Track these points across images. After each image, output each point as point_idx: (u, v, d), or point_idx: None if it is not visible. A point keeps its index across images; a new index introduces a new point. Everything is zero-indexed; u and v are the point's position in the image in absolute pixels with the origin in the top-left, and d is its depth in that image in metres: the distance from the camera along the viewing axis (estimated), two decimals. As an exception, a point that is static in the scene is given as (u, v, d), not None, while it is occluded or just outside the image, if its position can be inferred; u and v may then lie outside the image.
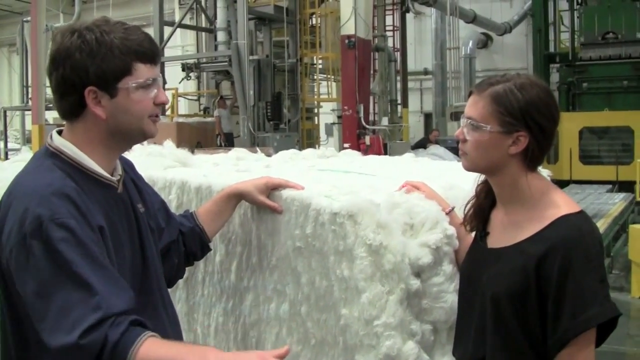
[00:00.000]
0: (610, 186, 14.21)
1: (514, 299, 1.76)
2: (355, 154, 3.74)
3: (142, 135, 1.89)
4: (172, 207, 2.62)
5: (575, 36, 18.48)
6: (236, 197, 2.33)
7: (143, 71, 1.81)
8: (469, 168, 1.90)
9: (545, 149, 1.82)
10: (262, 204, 2.29)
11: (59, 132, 1.87)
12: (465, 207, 2.02)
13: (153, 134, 1.90)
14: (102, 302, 1.61)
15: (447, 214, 2.12)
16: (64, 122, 1.89)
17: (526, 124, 1.77)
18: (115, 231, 1.81)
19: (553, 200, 1.81)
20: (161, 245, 2.10)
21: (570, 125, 15.73)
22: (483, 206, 1.98)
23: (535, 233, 1.77)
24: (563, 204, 1.79)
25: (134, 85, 1.80)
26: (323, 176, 2.60)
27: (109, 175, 1.85)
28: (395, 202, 2.11)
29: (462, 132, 1.86)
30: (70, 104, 1.80)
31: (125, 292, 1.69)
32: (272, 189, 2.30)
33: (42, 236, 1.62)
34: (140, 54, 1.80)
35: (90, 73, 1.75)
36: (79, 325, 1.57)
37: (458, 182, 2.41)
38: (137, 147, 2.47)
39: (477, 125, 1.81)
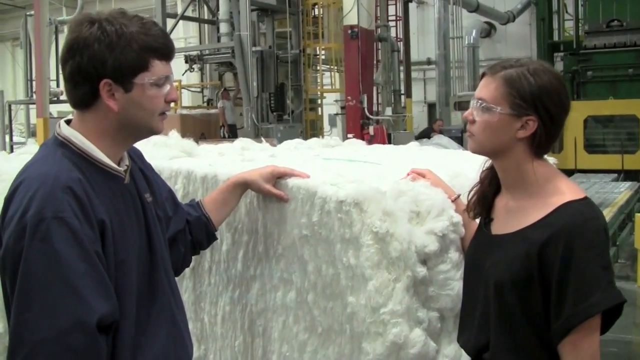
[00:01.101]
0: (615, 175, 14.16)
1: (517, 286, 1.75)
2: (360, 143, 3.74)
3: (149, 132, 1.90)
4: (179, 197, 2.61)
5: (580, 24, 18.39)
6: (242, 186, 2.34)
7: (159, 68, 1.81)
8: (475, 150, 1.89)
9: (553, 137, 1.81)
10: (268, 192, 2.30)
11: (68, 122, 1.87)
12: (469, 193, 2.02)
13: (160, 130, 1.91)
14: (84, 308, 1.62)
15: (452, 201, 2.12)
16: (71, 114, 1.90)
17: (536, 109, 1.77)
18: (121, 222, 1.82)
19: (558, 187, 1.80)
20: (168, 235, 2.10)
21: (575, 114, 15.60)
22: (487, 192, 1.97)
23: (538, 220, 1.77)
24: (567, 190, 1.79)
25: (149, 81, 1.80)
26: (328, 165, 2.60)
27: (115, 166, 1.85)
28: (401, 190, 2.11)
29: (471, 112, 1.86)
30: (83, 94, 1.79)
31: (108, 300, 1.69)
32: (277, 177, 2.30)
33: (41, 232, 1.63)
34: (158, 50, 1.81)
35: (108, 65, 1.75)
36: (57, 327, 1.60)
37: (463, 170, 2.42)
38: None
39: (488, 107, 1.81)
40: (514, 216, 1.85)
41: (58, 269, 1.62)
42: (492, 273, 1.82)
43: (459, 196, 2.14)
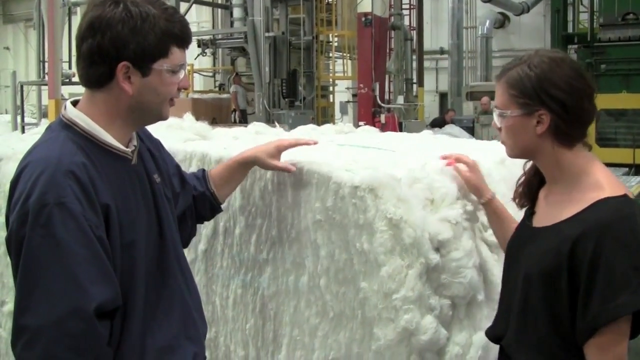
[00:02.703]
0: (626, 169, 14.08)
1: (544, 280, 1.73)
2: (373, 130, 3.74)
3: (158, 117, 1.90)
4: (193, 180, 2.63)
5: (595, 17, 18.25)
6: (248, 164, 2.33)
7: (177, 55, 1.82)
8: (510, 155, 1.90)
9: (575, 122, 1.77)
10: (274, 168, 2.30)
11: (75, 103, 1.86)
12: (517, 182, 2.01)
13: (167, 117, 1.92)
14: (82, 295, 1.64)
15: (488, 199, 2.12)
16: (83, 92, 1.88)
17: (543, 102, 1.76)
18: (127, 205, 1.82)
19: (597, 182, 1.76)
20: (177, 212, 2.11)
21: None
22: (531, 184, 1.96)
23: (574, 214, 1.74)
24: (607, 185, 1.74)
25: (167, 68, 1.80)
26: (342, 151, 2.60)
27: (123, 147, 1.85)
28: (415, 177, 2.11)
29: (494, 122, 1.88)
30: (99, 74, 1.78)
31: (108, 286, 1.70)
32: (283, 151, 2.30)
33: (43, 218, 1.64)
34: (178, 38, 1.81)
35: (129, 48, 1.74)
36: (55, 313, 1.62)
37: (478, 159, 2.41)
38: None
39: (502, 113, 1.83)
40: (553, 209, 1.83)
41: (58, 256, 1.63)
42: (524, 265, 1.81)
43: (494, 195, 2.13)
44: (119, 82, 1.78)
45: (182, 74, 1.86)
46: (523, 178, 1.99)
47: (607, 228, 1.65)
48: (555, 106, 1.75)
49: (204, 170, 2.32)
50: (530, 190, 1.96)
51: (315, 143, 2.28)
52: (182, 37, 1.82)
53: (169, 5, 1.83)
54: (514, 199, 2.01)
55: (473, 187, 2.15)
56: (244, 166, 2.33)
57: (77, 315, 1.63)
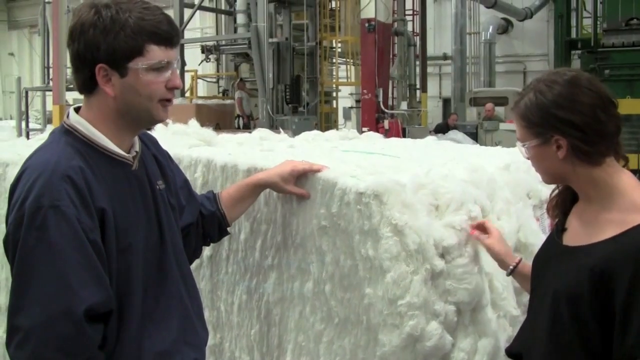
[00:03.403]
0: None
1: (573, 302, 1.67)
2: (377, 136, 3.74)
3: (150, 118, 1.87)
4: (198, 186, 2.64)
5: (598, 22, 18.26)
6: (261, 187, 2.32)
7: (156, 53, 1.79)
8: (546, 182, 1.88)
9: (593, 140, 1.69)
10: (289, 192, 2.28)
11: (77, 109, 1.88)
12: (551, 194, 1.95)
13: (162, 118, 1.89)
14: (72, 297, 1.65)
15: (516, 264, 2.06)
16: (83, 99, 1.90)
17: (554, 127, 1.71)
18: (126, 210, 1.82)
19: (636, 203, 1.68)
20: (181, 225, 2.10)
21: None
22: (564, 196, 1.89)
23: (610, 237, 1.66)
24: None
25: (144, 66, 1.78)
26: (347, 157, 2.60)
27: (122, 152, 1.85)
28: (420, 182, 2.12)
29: (522, 153, 1.85)
30: (83, 79, 1.81)
31: (100, 289, 1.71)
32: (297, 175, 2.26)
33: (38, 220, 1.66)
34: (153, 35, 1.79)
35: (102, 50, 1.75)
36: (46, 314, 1.64)
37: (482, 165, 2.42)
38: (160, 126, 2.47)
39: (523, 145, 1.80)
40: (587, 229, 1.76)
41: (50, 258, 1.66)
42: (553, 283, 1.76)
43: (520, 260, 2.07)
44: (101, 86, 1.79)
45: (168, 73, 1.83)
46: (557, 191, 1.92)
47: None
48: (568, 129, 1.70)
49: (213, 192, 2.31)
50: (564, 203, 1.89)
51: (327, 168, 2.25)
52: (157, 34, 1.79)
53: (150, 5, 1.82)
54: (547, 210, 1.96)
55: (497, 259, 2.09)
56: (258, 189, 2.32)
57: (66, 317, 1.64)
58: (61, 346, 1.65)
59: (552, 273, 1.79)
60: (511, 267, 2.06)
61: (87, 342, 1.68)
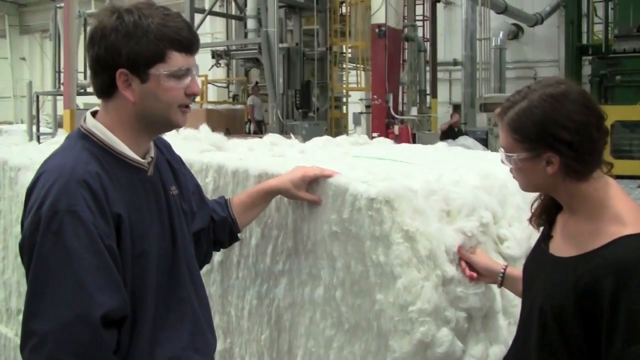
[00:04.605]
0: (640, 181, 14.00)
1: (559, 316, 1.67)
2: (388, 141, 3.74)
3: (168, 124, 1.88)
4: (209, 191, 2.65)
5: (609, 28, 18.20)
6: (273, 194, 2.32)
7: (177, 60, 1.80)
8: (524, 190, 1.83)
9: (587, 156, 1.67)
10: (301, 199, 2.27)
11: (94, 113, 1.89)
12: (532, 204, 1.92)
13: (180, 124, 1.90)
14: (89, 302, 1.65)
15: (504, 271, 2.05)
16: (97, 105, 1.91)
17: (548, 145, 1.66)
18: (140, 215, 1.83)
19: (618, 215, 1.65)
20: (193, 230, 2.10)
21: (602, 119, 15.43)
22: (548, 205, 1.86)
23: (592, 250, 1.65)
24: (630, 220, 1.64)
25: (165, 73, 1.79)
26: (358, 162, 2.60)
27: (138, 158, 1.86)
28: (431, 188, 2.11)
29: (502, 160, 1.79)
30: (103, 84, 1.81)
31: (116, 295, 1.71)
32: (309, 181, 2.25)
33: (54, 225, 1.66)
34: (175, 42, 1.79)
35: (123, 55, 1.75)
36: (62, 319, 1.64)
37: (493, 171, 2.41)
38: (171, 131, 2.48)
39: (508, 156, 1.74)
40: (571, 240, 1.74)
41: (67, 263, 1.65)
42: (539, 296, 1.75)
43: (507, 266, 2.06)
44: (121, 91, 1.79)
45: (187, 80, 1.83)
46: (539, 200, 1.89)
47: (628, 268, 1.56)
48: (563, 148, 1.65)
49: (225, 198, 2.32)
50: (547, 213, 1.87)
51: (338, 174, 2.24)
52: (180, 41, 1.80)
53: (171, 11, 1.82)
54: (529, 220, 1.93)
55: (486, 270, 2.06)
56: (269, 195, 2.32)
57: (83, 322, 1.64)
58: (77, 351, 1.64)
59: (539, 283, 1.78)
60: (500, 274, 2.05)
61: (102, 347, 1.68)
